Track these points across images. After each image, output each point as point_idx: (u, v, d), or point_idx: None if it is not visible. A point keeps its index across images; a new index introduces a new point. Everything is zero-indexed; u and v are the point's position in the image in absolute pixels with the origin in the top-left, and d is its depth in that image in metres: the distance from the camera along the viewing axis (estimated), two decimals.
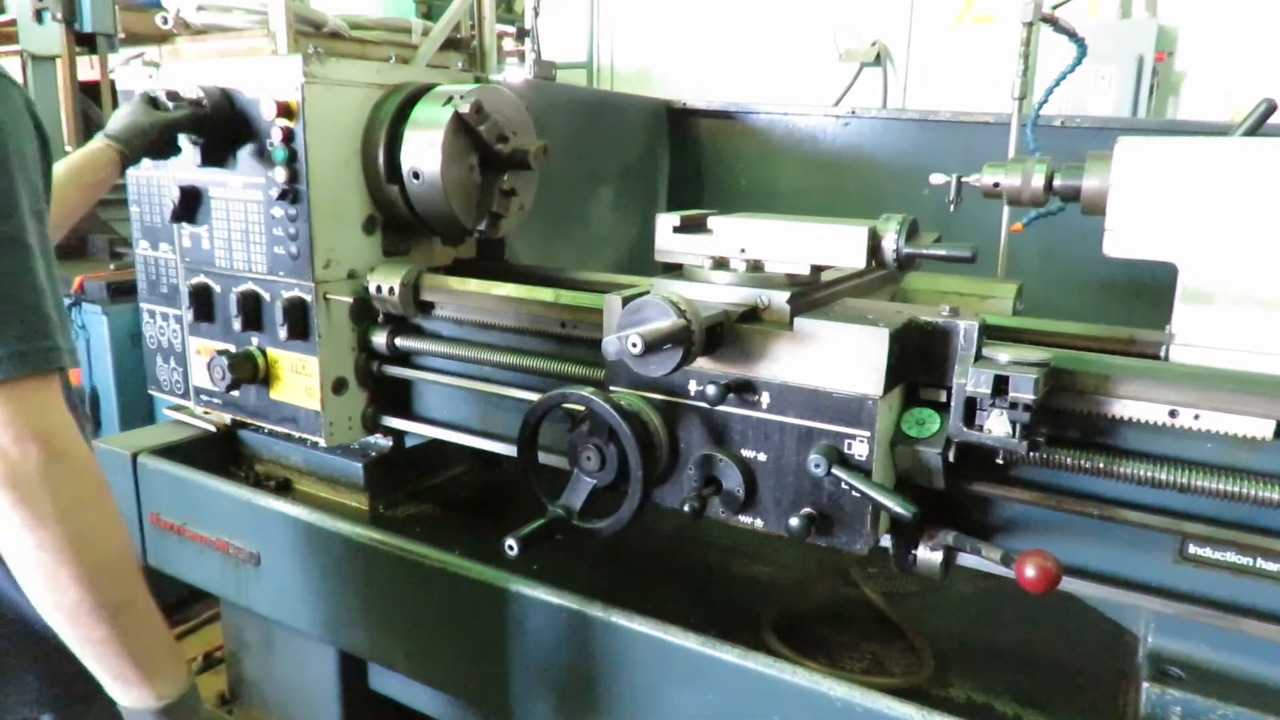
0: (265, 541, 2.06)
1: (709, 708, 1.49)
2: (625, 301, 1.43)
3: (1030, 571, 1.20)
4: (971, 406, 1.29)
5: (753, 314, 1.42)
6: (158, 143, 1.86)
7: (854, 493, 1.32)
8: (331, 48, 2.12)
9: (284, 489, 2.30)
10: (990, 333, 1.37)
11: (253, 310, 2.02)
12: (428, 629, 1.86)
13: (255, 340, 2.06)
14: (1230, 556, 1.32)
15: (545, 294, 1.83)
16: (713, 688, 1.48)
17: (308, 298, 1.94)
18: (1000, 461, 1.38)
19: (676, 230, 1.50)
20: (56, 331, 1.08)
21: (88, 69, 4.03)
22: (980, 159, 1.73)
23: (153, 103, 1.88)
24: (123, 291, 3.30)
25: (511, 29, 5.30)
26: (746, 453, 1.43)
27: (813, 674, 1.41)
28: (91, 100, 4.28)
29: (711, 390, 1.38)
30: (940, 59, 6.18)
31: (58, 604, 1.09)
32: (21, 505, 1.02)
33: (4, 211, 1.06)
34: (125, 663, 1.15)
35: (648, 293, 1.37)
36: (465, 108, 1.88)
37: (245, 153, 1.94)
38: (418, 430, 2.13)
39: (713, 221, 1.48)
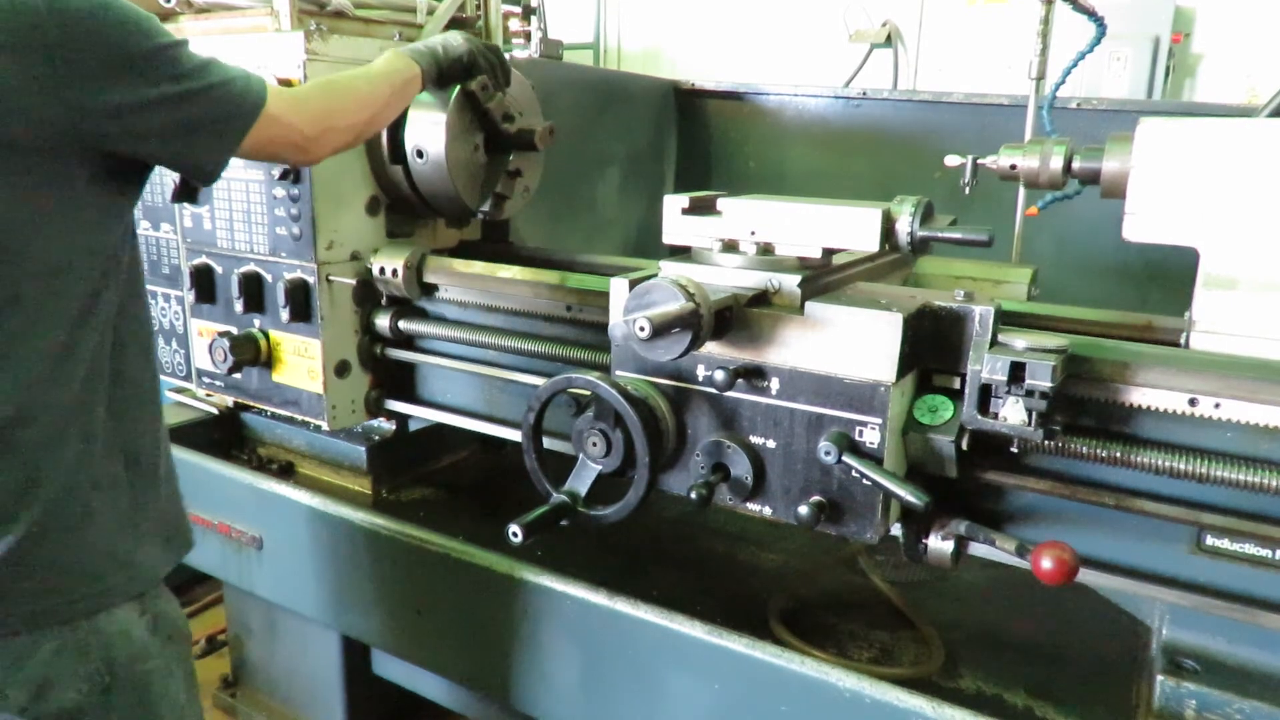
0: (268, 525, 2.05)
1: (715, 697, 1.47)
2: (633, 284, 1.40)
3: (1047, 564, 1.18)
4: (986, 393, 1.26)
5: (762, 298, 1.39)
6: (459, 70, 1.84)
7: (865, 481, 1.30)
8: (335, 26, 2.08)
9: (286, 472, 2.29)
10: (1005, 318, 1.34)
11: (255, 292, 2.00)
12: (430, 614, 1.85)
13: (257, 322, 2.03)
14: (1248, 548, 1.30)
15: (551, 277, 1.80)
16: (719, 677, 1.46)
17: (310, 279, 1.92)
18: (1014, 450, 1.35)
19: (685, 212, 1.47)
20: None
21: None
22: (994, 141, 1.70)
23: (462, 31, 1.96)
24: None
25: (518, 8, 5.23)
26: (755, 439, 1.40)
27: (820, 664, 1.39)
28: None
29: (720, 375, 1.35)
30: (952, 40, 6.10)
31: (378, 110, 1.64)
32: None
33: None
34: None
35: (655, 275, 1.34)
36: (456, 115, 1.84)
37: None
38: (421, 414, 2.11)
39: (722, 203, 1.45)
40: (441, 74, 1.78)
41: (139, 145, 1.26)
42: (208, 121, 1.31)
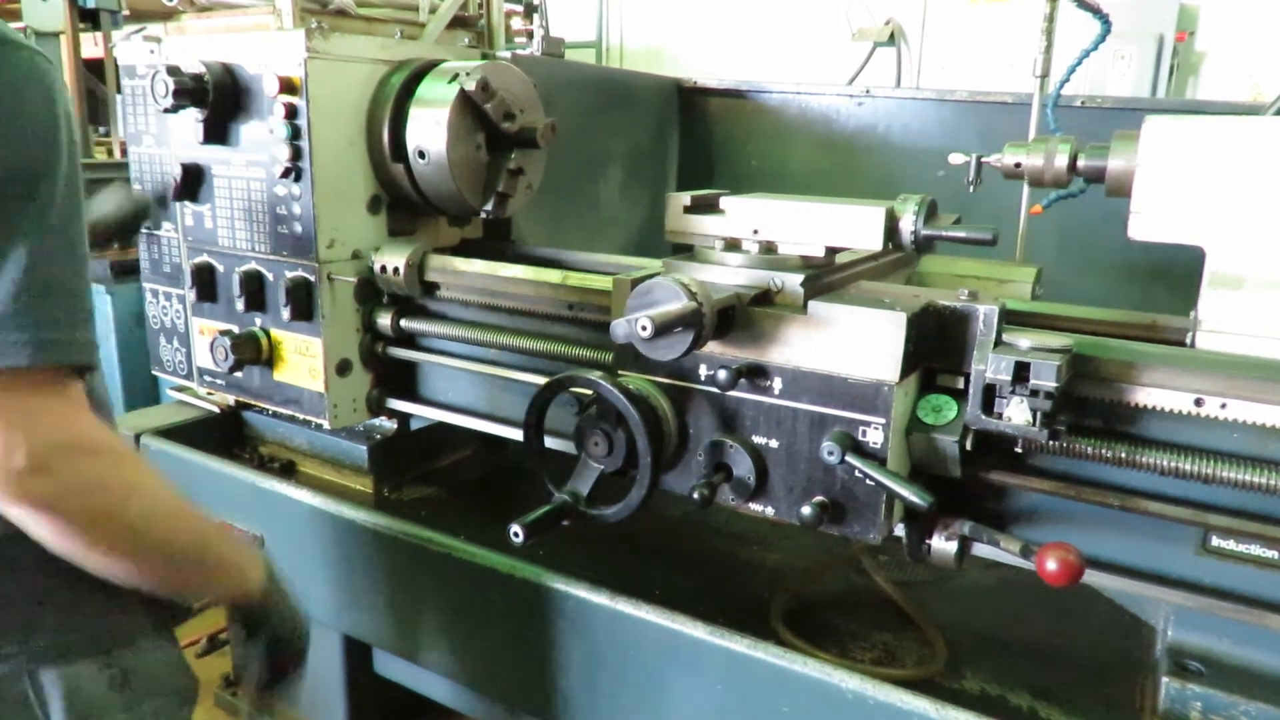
0: (269, 524, 2.04)
1: (717, 698, 1.47)
2: (635, 283, 1.39)
3: (1052, 565, 1.17)
4: (990, 393, 1.26)
5: (765, 297, 1.38)
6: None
7: (868, 481, 1.29)
8: (337, 24, 2.08)
9: (288, 471, 2.28)
10: (1010, 318, 1.33)
11: (256, 290, 1.99)
12: (432, 614, 1.84)
13: (258, 321, 2.03)
14: (1254, 550, 1.29)
15: (553, 275, 1.80)
16: (721, 677, 1.46)
17: (311, 278, 1.91)
18: (1018, 450, 1.34)
19: (688, 210, 1.46)
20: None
21: (91, 46, 4.00)
22: (998, 139, 1.69)
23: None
24: (126, 271, 3.27)
25: (520, 6, 5.23)
26: (758, 439, 1.40)
27: (823, 664, 1.38)
28: (96, 77, 4.25)
29: (722, 375, 1.35)
30: (956, 37, 6.08)
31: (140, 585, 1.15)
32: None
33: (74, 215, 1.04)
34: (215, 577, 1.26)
35: (658, 274, 1.34)
36: (471, 85, 1.83)
37: (248, 130, 1.91)
38: (423, 413, 2.11)
39: (725, 202, 1.44)
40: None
41: None
42: None
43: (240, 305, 2.00)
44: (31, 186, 0.98)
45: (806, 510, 1.35)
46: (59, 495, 1.00)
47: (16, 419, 0.96)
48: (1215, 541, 1.31)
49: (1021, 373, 1.21)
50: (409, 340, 2.04)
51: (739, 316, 1.35)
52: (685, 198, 1.46)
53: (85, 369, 1.06)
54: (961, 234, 1.36)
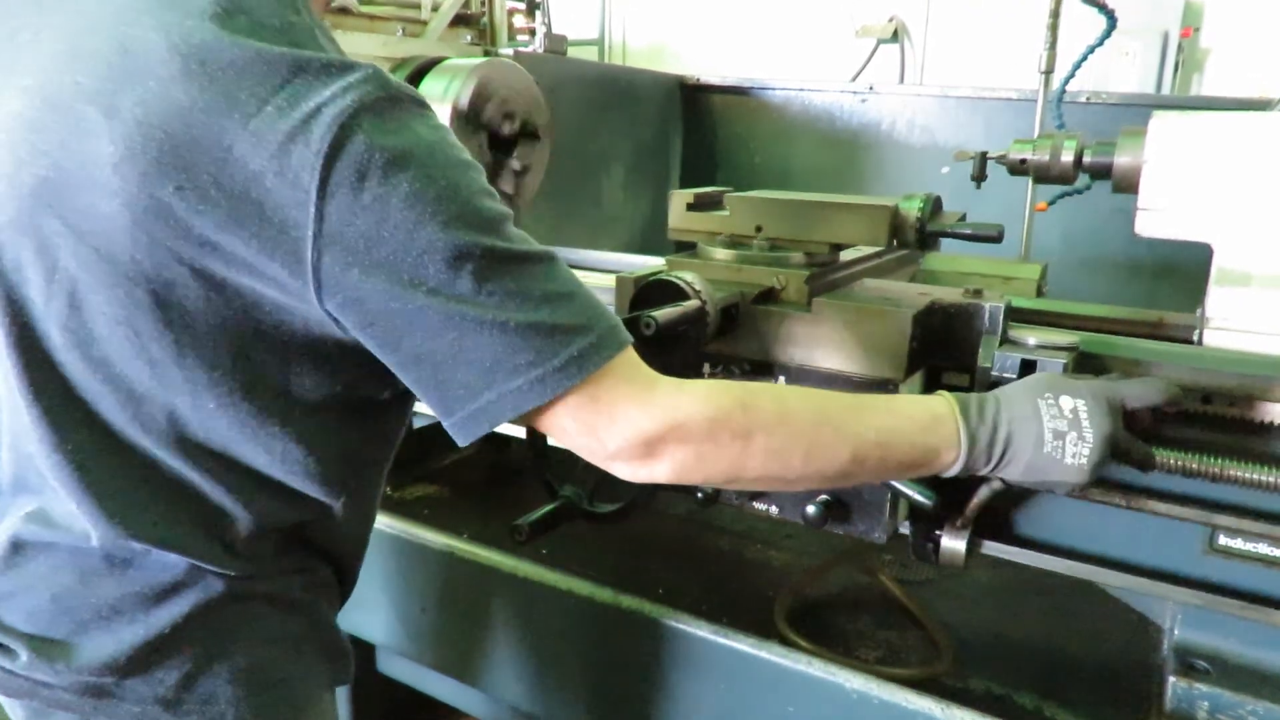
0: None
1: (721, 697, 1.46)
2: (638, 281, 1.39)
3: None
4: None
5: (769, 295, 1.37)
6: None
7: None
8: (340, 22, 2.08)
9: None
10: (1015, 315, 1.32)
11: None
12: (435, 613, 1.84)
13: None
14: (1262, 548, 1.28)
15: None
16: (725, 677, 1.45)
17: None
18: None
19: (690, 208, 1.46)
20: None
21: None
22: (1002, 136, 1.68)
23: None
24: None
25: (522, 4, 5.22)
26: None
27: (828, 664, 1.37)
28: None
29: (726, 373, 1.34)
30: (959, 34, 6.07)
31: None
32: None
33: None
34: (904, 467, 1.06)
35: (661, 272, 1.33)
36: (464, 100, 1.81)
37: None
38: (426, 411, 2.10)
39: (728, 199, 1.43)
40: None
41: None
42: None
43: None
44: None
45: (811, 509, 1.34)
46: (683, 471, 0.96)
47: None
48: (1222, 540, 1.30)
49: (1027, 370, 1.21)
50: None
51: (742, 315, 1.35)
52: (688, 195, 1.45)
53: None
54: (966, 231, 1.35)
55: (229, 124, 0.83)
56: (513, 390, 0.89)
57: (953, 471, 1.06)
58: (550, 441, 1.55)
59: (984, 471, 1.07)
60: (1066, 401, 1.05)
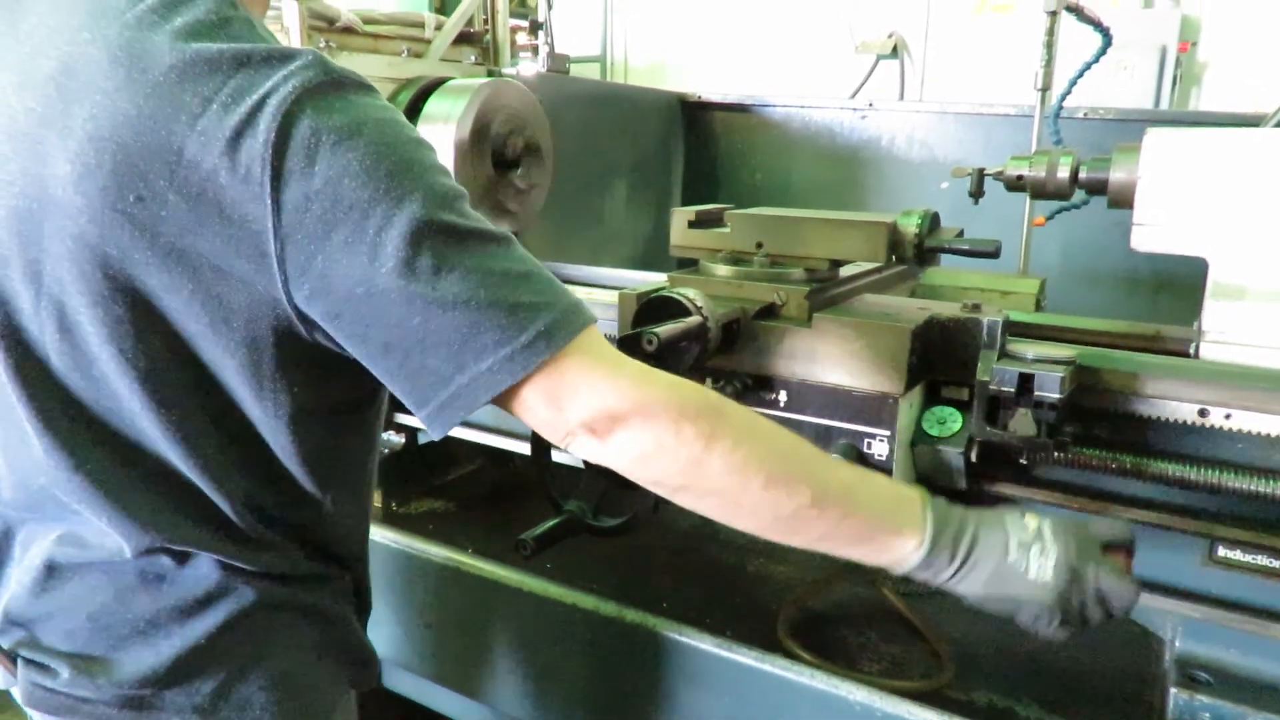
0: None
1: (725, 710, 1.47)
2: (640, 298, 1.41)
3: None
4: (995, 405, 1.26)
5: (770, 310, 1.39)
6: None
7: None
8: (345, 42, 2.10)
9: None
10: (1014, 329, 1.34)
11: None
12: (439, 627, 1.84)
13: None
14: (1261, 560, 1.29)
15: None
16: (728, 690, 1.46)
17: None
18: (1023, 461, 1.35)
19: (692, 225, 1.48)
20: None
21: None
22: (1000, 151, 1.70)
23: None
24: None
25: (525, 23, 5.28)
26: None
27: (831, 677, 1.38)
28: None
29: (728, 388, 1.35)
30: (959, 50, 6.10)
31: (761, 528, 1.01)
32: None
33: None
34: (862, 536, 1.03)
35: (663, 289, 1.35)
36: (465, 132, 1.83)
37: None
38: (421, 424, 2.11)
39: (729, 216, 1.45)
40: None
41: None
42: None
43: None
44: None
45: None
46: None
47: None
48: (1222, 552, 1.31)
49: (1026, 384, 1.22)
50: None
51: (744, 330, 1.36)
52: (690, 212, 1.47)
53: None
54: (964, 246, 1.37)
55: (177, 127, 0.83)
56: (484, 372, 0.89)
57: (911, 564, 1.01)
58: (554, 457, 1.56)
59: (946, 576, 1.02)
60: (1031, 520, 1.05)
